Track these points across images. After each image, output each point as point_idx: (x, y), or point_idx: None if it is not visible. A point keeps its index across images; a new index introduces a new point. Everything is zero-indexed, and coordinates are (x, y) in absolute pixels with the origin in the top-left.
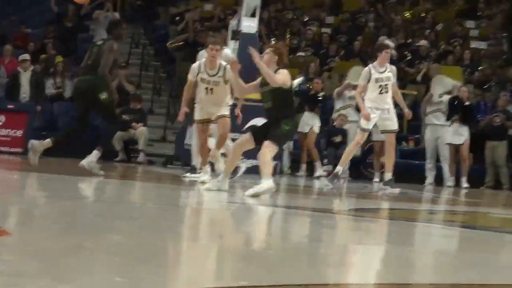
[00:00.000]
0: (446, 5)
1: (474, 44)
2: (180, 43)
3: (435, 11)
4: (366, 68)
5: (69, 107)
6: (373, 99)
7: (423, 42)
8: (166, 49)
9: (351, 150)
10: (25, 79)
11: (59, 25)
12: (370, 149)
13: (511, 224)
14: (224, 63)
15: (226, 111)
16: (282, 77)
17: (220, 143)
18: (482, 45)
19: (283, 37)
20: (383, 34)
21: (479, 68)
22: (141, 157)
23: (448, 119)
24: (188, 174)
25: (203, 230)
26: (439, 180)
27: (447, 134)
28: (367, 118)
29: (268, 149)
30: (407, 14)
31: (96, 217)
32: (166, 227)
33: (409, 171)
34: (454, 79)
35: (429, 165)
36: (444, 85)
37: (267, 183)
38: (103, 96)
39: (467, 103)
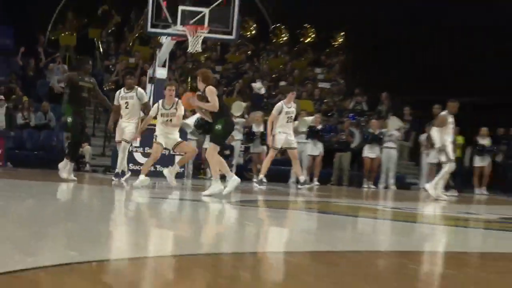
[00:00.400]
0: (300, 57)
1: (321, 85)
2: (113, 86)
3: (292, 62)
4: (279, 103)
5: (34, 133)
6: (282, 125)
7: (283, 83)
8: (102, 90)
9: (268, 162)
10: (0, 113)
11: (23, 73)
12: (250, 159)
13: (351, 210)
14: (176, 98)
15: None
16: (213, 97)
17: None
18: (326, 85)
19: (185, 81)
20: (257, 78)
21: (324, 101)
22: (87, 167)
23: (307, 138)
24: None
25: (129, 217)
26: (298, 180)
27: (307, 148)
28: (275, 141)
29: (210, 151)
30: (273, 64)
31: (55, 210)
32: (105, 217)
33: (278, 174)
34: (307, 110)
35: (292, 170)
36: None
37: (216, 185)
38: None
39: (320, 127)
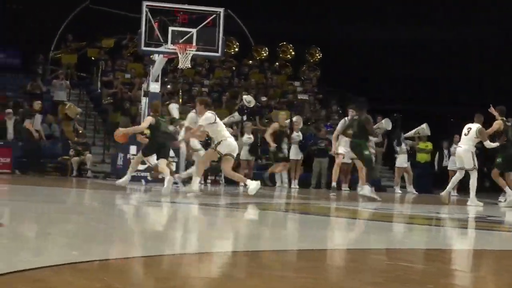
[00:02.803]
0: (280, 73)
1: (300, 96)
2: (111, 100)
3: (274, 76)
4: (342, 120)
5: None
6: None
7: (264, 98)
8: (101, 103)
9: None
10: (10, 125)
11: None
12: (238, 165)
13: (326, 211)
14: None
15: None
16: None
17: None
18: (305, 96)
19: (177, 94)
20: (242, 91)
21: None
22: (89, 173)
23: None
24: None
25: (129, 219)
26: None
27: (291, 154)
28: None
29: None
30: (256, 78)
31: (59, 213)
32: (105, 218)
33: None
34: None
35: (276, 174)
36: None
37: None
38: None
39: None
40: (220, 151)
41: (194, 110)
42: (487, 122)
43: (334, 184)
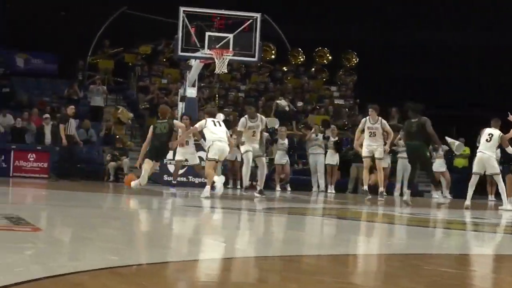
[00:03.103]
0: (316, 78)
1: (336, 101)
2: (147, 105)
3: (310, 81)
4: (363, 120)
5: (77, 148)
6: (367, 139)
7: (300, 103)
8: (137, 108)
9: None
10: (47, 130)
11: (68, 95)
12: (274, 170)
13: (361, 216)
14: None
15: None
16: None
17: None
18: (341, 101)
19: (213, 99)
20: (279, 96)
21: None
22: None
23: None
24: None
25: (166, 224)
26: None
27: (324, 158)
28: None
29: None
30: (293, 83)
31: (96, 217)
32: (143, 223)
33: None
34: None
35: (313, 179)
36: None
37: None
38: None
39: (336, 139)
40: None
41: (246, 115)
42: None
43: (365, 187)
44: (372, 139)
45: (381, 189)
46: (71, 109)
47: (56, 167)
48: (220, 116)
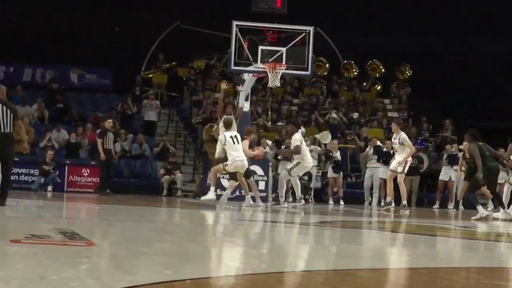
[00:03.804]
0: (369, 91)
1: (390, 114)
2: (200, 120)
3: (363, 94)
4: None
5: (130, 162)
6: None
7: (355, 114)
8: (190, 123)
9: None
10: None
11: (122, 110)
12: (327, 183)
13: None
14: None
15: None
16: None
17: None
18: (394, 114)
19: (266, 113)
20: (331, 109)
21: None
22: (179, 192)
23: (378, 161)
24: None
25: (221, 238)
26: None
27: (379, 172)
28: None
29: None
30: (346, 96)
31: (151, 232)
32: (197, 237)
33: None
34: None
35: (366, 192)
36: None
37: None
38: None
39: (388, 151)
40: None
41: (300, 131)
42: None
43: (390, 199)
44: (395, 153)
45: (388, 198)
46: (109, 123)
47: (111, 182)
48: (234, 127)
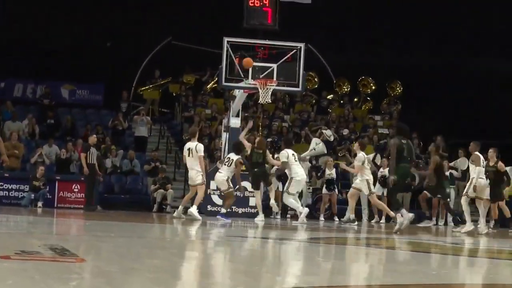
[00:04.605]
0: (360, 107)
1: (380, 130)
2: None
3: (353, 110)
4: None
5: (121, 178)
6: None
7: (345, 131)
8: (181, 138)
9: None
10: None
11: (112, 126)
12: (319, 198)
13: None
14: None
15: None
16: None
17: None
18: (385, 130)
19: (257, 129)
20: (323, 125)
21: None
22: (168, 208)
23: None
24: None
25: (210, 254)
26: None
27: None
28: None
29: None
30: (336, 112)
31: (141, 248)
32: (188, 253)
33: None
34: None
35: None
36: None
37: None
38: None
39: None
40: None
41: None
42: None
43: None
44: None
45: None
46: (92, 138)
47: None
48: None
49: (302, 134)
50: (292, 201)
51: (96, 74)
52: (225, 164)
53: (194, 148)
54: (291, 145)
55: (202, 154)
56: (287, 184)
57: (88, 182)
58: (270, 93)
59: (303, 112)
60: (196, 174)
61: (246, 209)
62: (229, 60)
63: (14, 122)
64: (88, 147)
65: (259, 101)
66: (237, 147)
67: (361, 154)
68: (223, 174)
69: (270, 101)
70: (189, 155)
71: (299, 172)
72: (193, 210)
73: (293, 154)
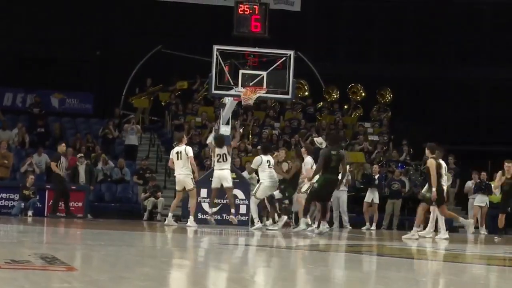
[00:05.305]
0: (350, 115)
1: (370, 137)
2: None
3: (344, 118)
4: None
5: (111, 187)
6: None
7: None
8: (172, 147)
9: None
10: (81, 169)
11: (103, 134)
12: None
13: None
14: None
15: None
16: None
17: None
18: (375, 138)
19: (247, 137)
20: (313, 132)
21: (376, 152)
22: (158, 216)
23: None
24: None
25: (201, 261)
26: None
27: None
28: None
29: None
30: (326, 120)
31: (132, 256)
32: (179, 261)
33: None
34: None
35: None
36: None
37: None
38: None
39: (377, 176)
40: None
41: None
42: None
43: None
44: None
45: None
46: (62, 147)
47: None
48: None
49: (292, 142)
50: (253, 207)
51: (86, 83)
52: (219, 161)
53: (184, 150)
54: (269, 152)
55: (192, 155)
56: (255, 188)
57: (57, 190)
58: (254, 98)
59: (293, 119)
60: (185, 178)
61: (237, 217)
62: (219, 68)
63: (4, 131)
64: (58, 156)
65: (243, 104)
66: (220, 141)
67: (308, 158)
68: (228, 170)
69: (251, 104)
70: (178, 159)
71: (269, 179)
72: (186, 221)
73: (267, 161)
